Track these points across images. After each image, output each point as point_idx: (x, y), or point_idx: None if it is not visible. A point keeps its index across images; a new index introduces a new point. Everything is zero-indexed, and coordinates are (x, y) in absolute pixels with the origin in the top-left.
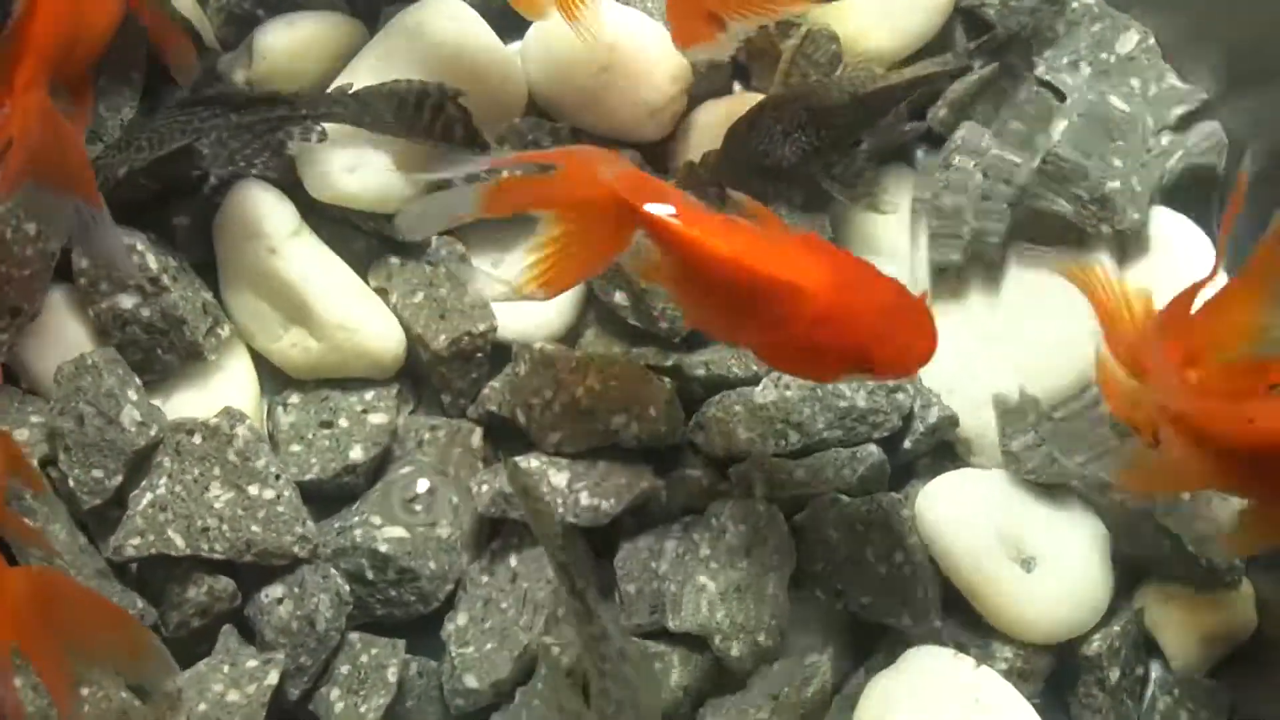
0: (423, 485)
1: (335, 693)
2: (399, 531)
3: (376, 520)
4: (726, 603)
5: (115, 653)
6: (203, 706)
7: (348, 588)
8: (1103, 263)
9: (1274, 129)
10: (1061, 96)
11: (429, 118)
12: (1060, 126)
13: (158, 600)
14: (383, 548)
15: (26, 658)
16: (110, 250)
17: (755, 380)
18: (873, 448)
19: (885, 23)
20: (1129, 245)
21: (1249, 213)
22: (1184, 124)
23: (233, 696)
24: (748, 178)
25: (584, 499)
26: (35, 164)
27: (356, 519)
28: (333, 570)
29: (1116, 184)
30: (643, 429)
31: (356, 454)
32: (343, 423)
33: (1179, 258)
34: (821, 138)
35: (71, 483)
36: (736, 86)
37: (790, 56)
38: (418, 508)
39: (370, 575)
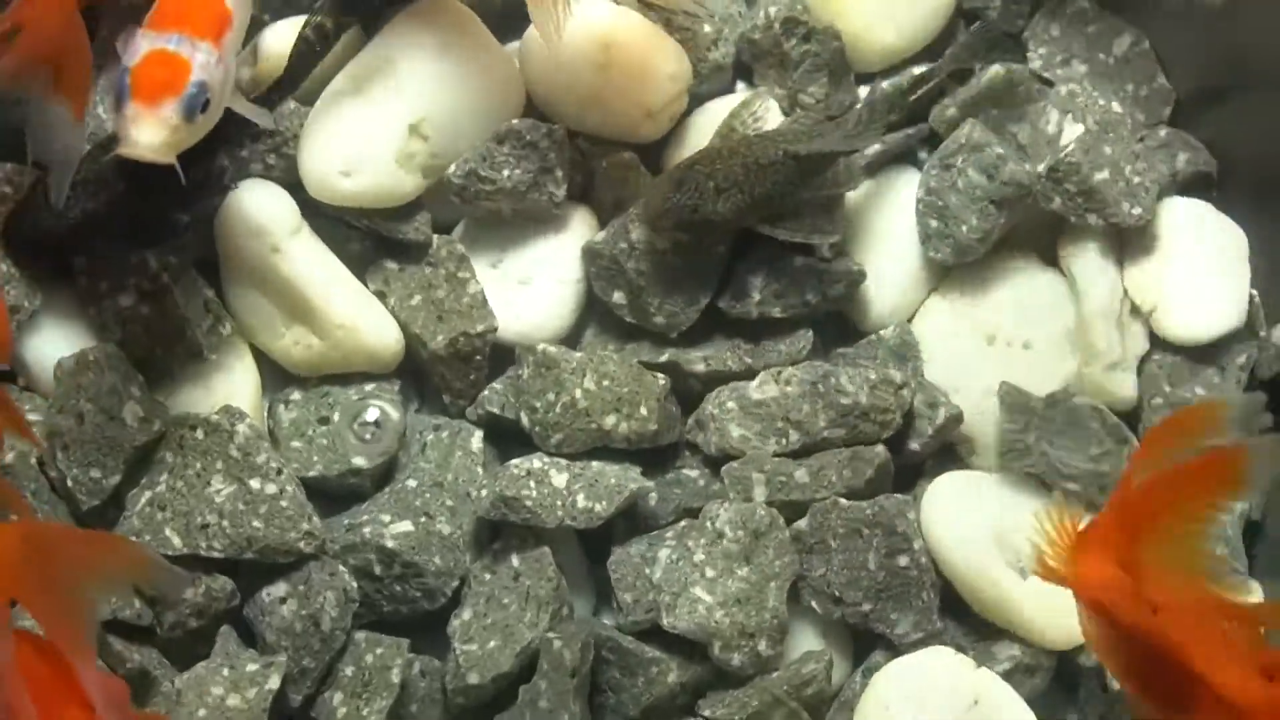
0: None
1: (338, 697)
2: (406, 526)
3: (386, 517)
4: (726, 610)
5: (122, 578)
6: (202, 712)
7: (355, 584)
8: (1094, 255)
9: (1261, 133)
10: (1059, 97)
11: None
12: (1065, 130)
13: (154, 600)
14: (390, 543)
15: (28, 612)
16: (68, 155)
17: (751, 374)
18: (879, 448)
19: (887, 22)
20: (1133, 241)
21: (1249, 213)
22: (1174, 121)
23: (233, 701)
24: (673, 229)
25: (580, 501)
26: (40, 55)
27: (366, 515)
28: (341, 567)
29: (1105, 174)
30: (633, 428)
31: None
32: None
33: (1188, 255)
34: (756, 195)
35: (70, 482)
36: (740, 86)
37: (732, 114)
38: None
39: (378, 570)
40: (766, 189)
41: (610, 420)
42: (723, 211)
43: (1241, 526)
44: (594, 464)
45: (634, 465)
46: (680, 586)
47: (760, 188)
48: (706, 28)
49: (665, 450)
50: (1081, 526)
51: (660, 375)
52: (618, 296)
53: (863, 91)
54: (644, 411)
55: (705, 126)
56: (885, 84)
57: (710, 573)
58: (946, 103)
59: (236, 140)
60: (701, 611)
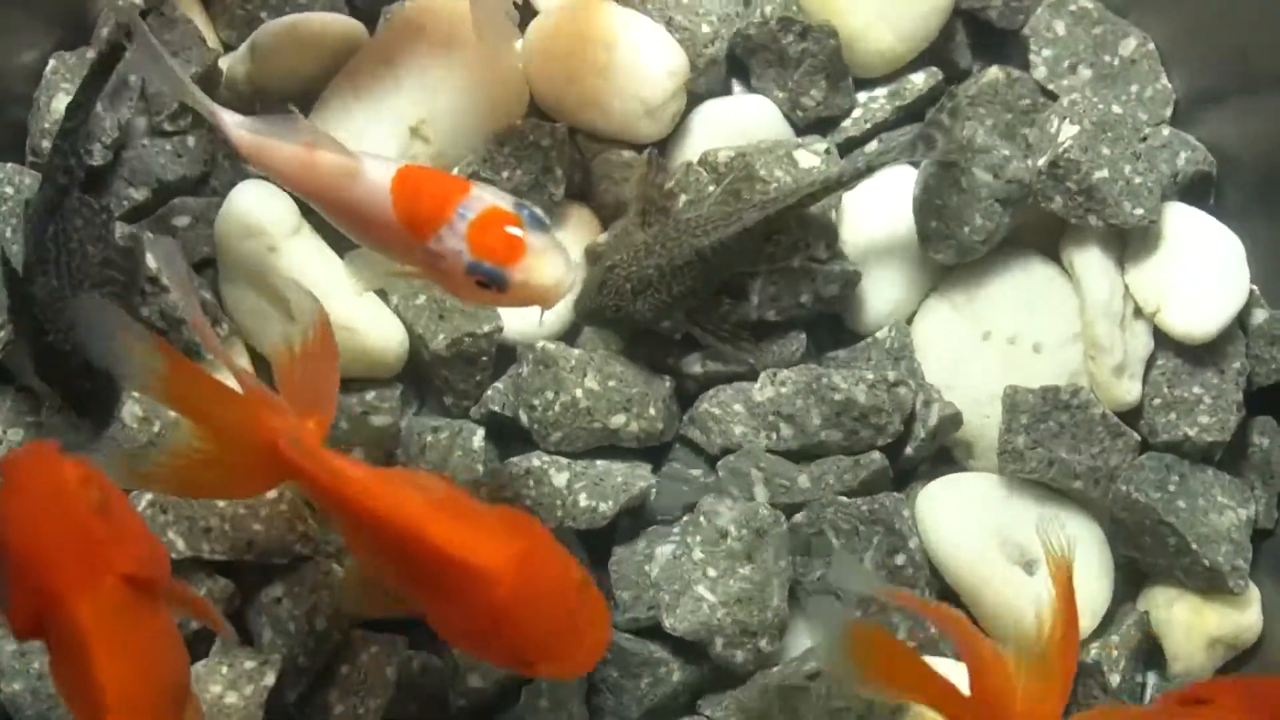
0: None
1: (334, 694)
2: None
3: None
4: (729, 609)
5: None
6: (201, 708)
7: None
8: (1096, 255)
9: (1266, 135)
10: (1063, 102)
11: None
12: (1063, 129)
13: None
14: None
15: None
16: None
17: (754, 375)
18: (875, 455)
19: (885, 22)
20: (1135, 242)
21: (1249, 213)
22: (1176, 122)
23: (230, 698)
24: (603, 326)
25: (582, 500)
26: None
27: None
28: (335, 566)
29: (1104, 173)
30: (642, 428)
31: (357, 455)
32: (342, 425)
33: (1192, 255)
34: (674, 293)
35: None
36: (735, 86)
37: (641, 178)
38: None
39: None
40: (685, 286)
41: (618, 420)
42: (643, 310)
43: (1249, 532)
44: (599, 463)
45: (642, 463)
46: (682, 585)
47: (678, 286)
48: (704, 26)
49: (663, 448)
50: None
51: (667, 377)
52: None
53: (861, 96)
54: (652, 411)
55: (704, 124)
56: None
57: (713, 572)
58: (943, 102)
59: None
60: (705, 610)
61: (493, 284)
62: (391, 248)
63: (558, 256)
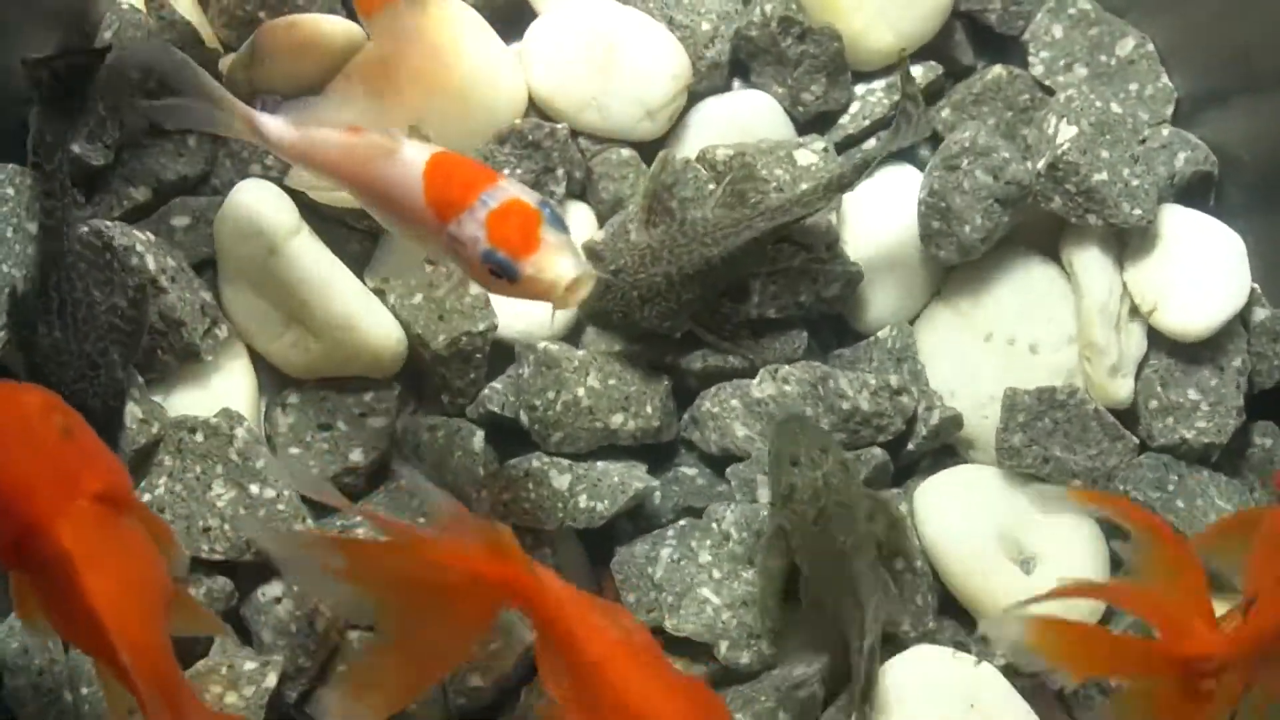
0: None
1: (334, 695)
2: None
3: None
4: (734, 612)
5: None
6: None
7: None
8: (1094, 255)
9: (1268, 133)
10: (1059, 98)
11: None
12: (1062, 129)
13: None
14: None
15: None
16: None
17: (752, 372)
18: (876, 450)
19: (885, 21)
20: (1134, 242)
21: (1250, 212)
22: (1177, 121)
23: (231, 699)
24: (610, 329)
25: (582, 501)
26: None
27: (360, 518)
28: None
29: (1104, 175)
30: (639, 427)
31: (356, 456)
32: (341, 425)
33: (1190, 253)
34: (682, 301)
35: None
36: (736, 84)
37: (651, 176)
38: None
39: None
40: (694, 294)
41: (617, 419)
42: (650, 318)
43: None
44: (598, 464)
45: (639, 463)
46: (685, 587)
47: (687, 294)
48: (704, 24)
49: (662, 448)
50: None
51: (665, 376)
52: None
53: (859, 89)
54: (649, 410)
55: (703, 124)
56: (828, 163)
57: (717, 574)
58: (943, 104)
59: (235, 141)
60: (709, 613)
61: (504, 274)
62: (418, 230)
63: (569, 256)
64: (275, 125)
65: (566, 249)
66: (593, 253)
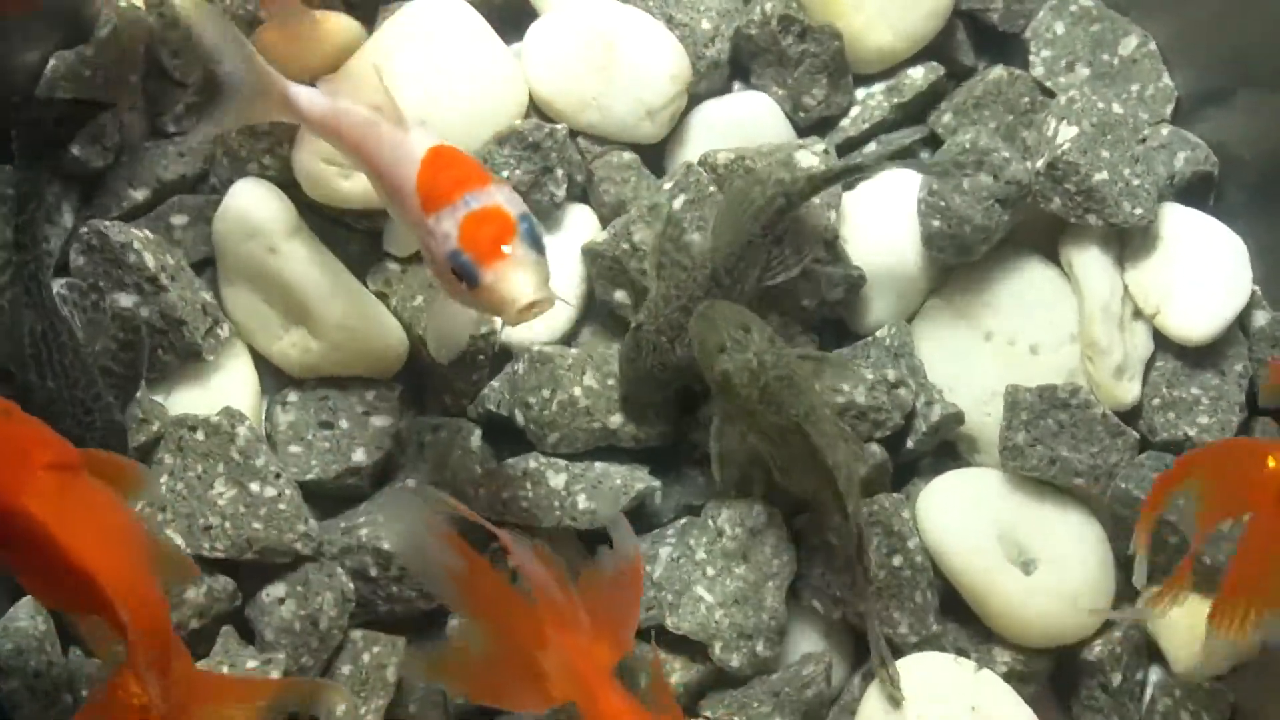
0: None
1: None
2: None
3: (382, 518)
4: (726, 610)
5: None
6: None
7: (352, 585)
8: (1095, 255)
9: (1269, 134)
10: (1060, 100)
11: None
12: (1061, 130)
13: None
14: (386, 545)
15: None
16: None
17: None
18: (875, 447)
19: (885, 21)
20: (1134, 242)
21: (1250, 212)
22: (1177, 121)
23: None
24: (654, 392)
25: (581, 502)
26: None
27: (364, 518)
28: (339, 568)
29: (1104, 174)
30: (641, 428)
31: (359, 456)
32: (343, 424)
33: (1192, 255)
34: None
35: None
36: (736, 85)
37: (657, 247)
38: None
39: (374, 572)
40: None
41: (617, 419)
42: (685, 356)
43: None
44: (597, 465)
45: (640, 465)
46: (682, 585)
47: None
48: (704, 23)
49: (664, 450)
50: None
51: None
52: (619, 295)
53: (859, 93)
54: (652, 411)
55: (704, 125)
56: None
57: (710, 571)
58: (944, 107)
59: (234, 140)
60: (703, 611)
61: (464, 278)
62: (407, 216)
63: (533, 275)
64: (307, 95)
65: (533, 268)
66: (592, 252)
